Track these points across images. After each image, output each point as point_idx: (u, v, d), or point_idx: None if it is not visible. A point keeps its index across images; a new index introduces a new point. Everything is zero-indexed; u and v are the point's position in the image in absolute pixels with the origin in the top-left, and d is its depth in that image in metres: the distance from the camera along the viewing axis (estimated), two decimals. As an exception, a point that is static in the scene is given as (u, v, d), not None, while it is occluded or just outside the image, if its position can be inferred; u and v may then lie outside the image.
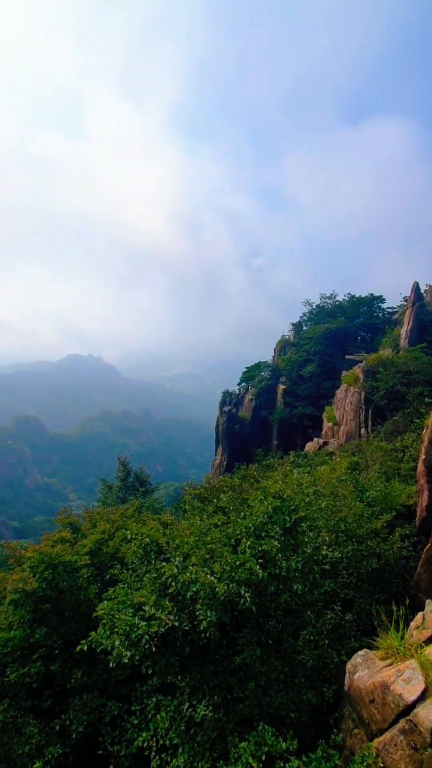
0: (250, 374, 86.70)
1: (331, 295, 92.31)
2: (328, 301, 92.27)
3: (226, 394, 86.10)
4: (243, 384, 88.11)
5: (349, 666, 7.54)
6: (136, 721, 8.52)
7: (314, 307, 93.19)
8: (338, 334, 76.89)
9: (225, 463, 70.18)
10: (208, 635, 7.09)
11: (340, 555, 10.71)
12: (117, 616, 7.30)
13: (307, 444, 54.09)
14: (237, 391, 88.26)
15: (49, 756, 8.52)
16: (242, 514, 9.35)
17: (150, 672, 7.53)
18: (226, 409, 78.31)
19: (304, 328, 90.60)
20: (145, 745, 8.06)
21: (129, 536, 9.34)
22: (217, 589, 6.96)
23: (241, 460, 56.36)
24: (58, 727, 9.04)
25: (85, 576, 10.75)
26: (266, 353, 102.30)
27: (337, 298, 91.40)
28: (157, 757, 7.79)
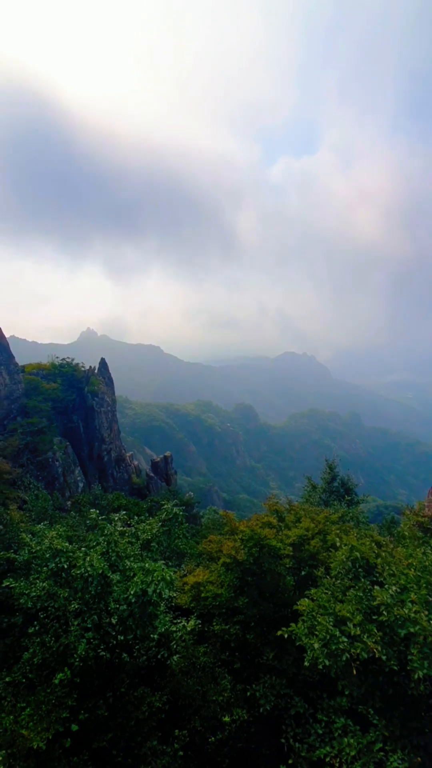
0: None
1: None
2: None
3: (459, 412, 71.84)
4: None
5: None
6: (320, 731, 8.32)
7: None
8: None
9: (446, 492, 59.22)
10: (421, 689, 6.11)
11: None
12: (318, 619, 7.21)
13: None
14: (474, 411, 72.27)
15: (236, 716, 9.34)
16: None
17: (346, 693, 7.13)
18: (456, 429, 65.55)
19: None
20: (327, 760, 7.81)
21: (338, 543, 9.04)
22: (442, 642, 5.88)
23: (470, 495, 46.17)
24: (248, 694, 9.80)
25: (287, 565, 11.18)
26: None
27: None
28: (339, 781, 7.42)
